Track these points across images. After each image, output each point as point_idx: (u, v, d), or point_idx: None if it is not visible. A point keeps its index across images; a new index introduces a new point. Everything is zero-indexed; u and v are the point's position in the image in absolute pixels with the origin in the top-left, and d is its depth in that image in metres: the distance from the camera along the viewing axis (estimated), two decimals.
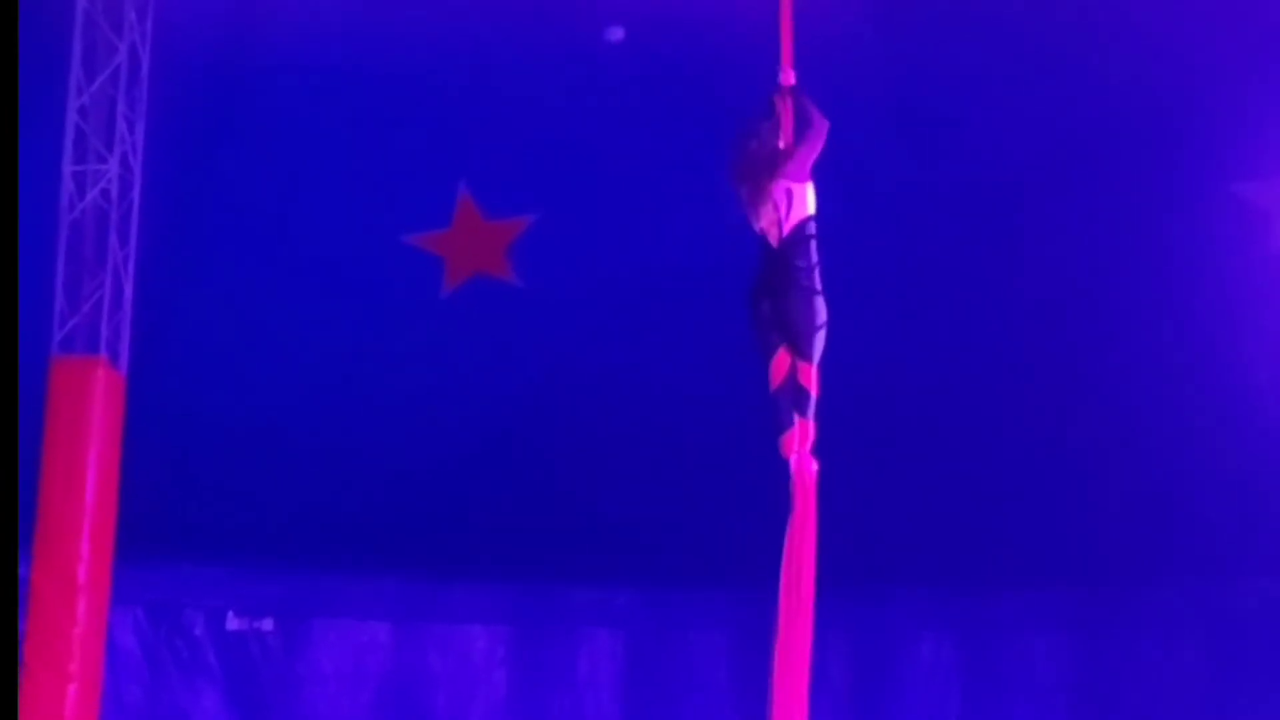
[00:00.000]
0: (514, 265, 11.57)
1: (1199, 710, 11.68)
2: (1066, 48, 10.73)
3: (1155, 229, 11.05)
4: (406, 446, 11.63)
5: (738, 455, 10.65)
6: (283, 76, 10.86)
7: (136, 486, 9.90)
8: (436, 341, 11.59)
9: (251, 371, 11.46)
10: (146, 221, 10.00)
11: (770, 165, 7.53)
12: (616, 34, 10.60)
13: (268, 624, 12.17)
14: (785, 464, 7.56)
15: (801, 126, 7.67)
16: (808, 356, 7.43)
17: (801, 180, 7.52)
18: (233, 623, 12.13)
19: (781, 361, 7.43)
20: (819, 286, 7.46)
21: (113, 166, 9.85)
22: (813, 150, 7.56)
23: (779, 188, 7.49)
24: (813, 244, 7.51)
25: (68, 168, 9.84)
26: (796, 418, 7.44)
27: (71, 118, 9.83)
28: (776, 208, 7.49)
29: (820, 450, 7.52)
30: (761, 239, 7.54)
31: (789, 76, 7.72)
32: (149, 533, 10.33)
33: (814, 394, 7.44)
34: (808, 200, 7.54)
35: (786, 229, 7.48)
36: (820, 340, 7.46)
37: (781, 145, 7.62)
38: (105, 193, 9.85)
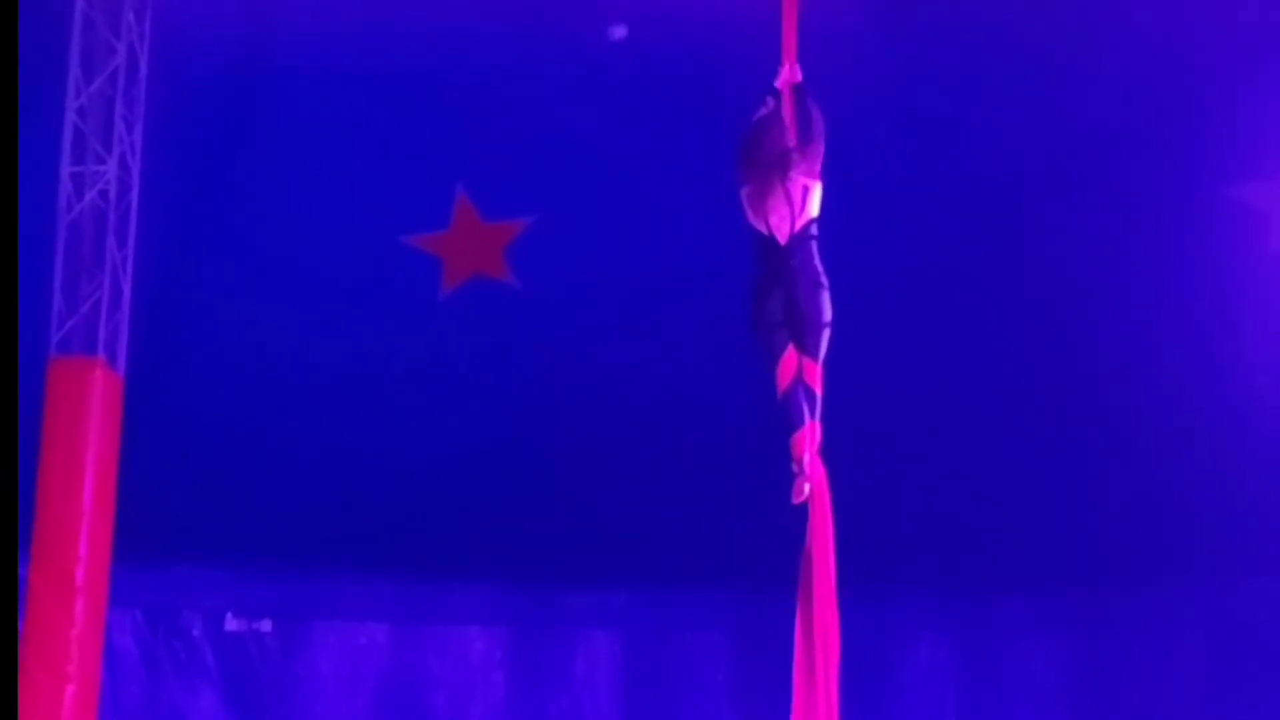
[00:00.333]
0: (512, 266, 11.56)
1: (1198, 711, 11.68)
2: (1065, 49, 10.73)
3: (1155, 230, 11.05)
4: (405, 448, 11.62)
5: (736, 456, 10.67)
6: (281, 77, 10.85)
7: (134, 488, 9.88)
8: (435, 343, 11.57)
9: (250, 373, 11.45)
10: (145, 222, 9.99)
11: (783, 161, 7.52)
12: (619, 32, 10.59)
13: (266, 625, 12.17)
14: (784, 464, 7.57)
15: (804, 124, 7.68)
16: (814, 354, 7.44)
17: (814, 178, 7.53)
18: (231, 624, 12.12)
19: (790, 362, 7.42)
20: (826, 283, 7.48)
21: (111, 167, 9.83)
22: (821, 147, 7.57)
23: (795, 184, 7.49)
24: (815, 245, 7.52)
25: (66, 168, 9.82)
26: (808, 418, 7.43)
27: (70, 118, 9.82)
28: (791, 203, 7.49)
29: (820, 450, 7.53)
30: (767, 238, 7.51)
31: (796, 73, 7.73)
32: (147, 534, 10.32)
33: (819, 393, 7.44)
34: (818, 199, 7.55)
35: (798, 225, 7.48)
36: (826, 338, 7.46)
37: (792, 142, 7.61)
38: (103, 193, 9.83)
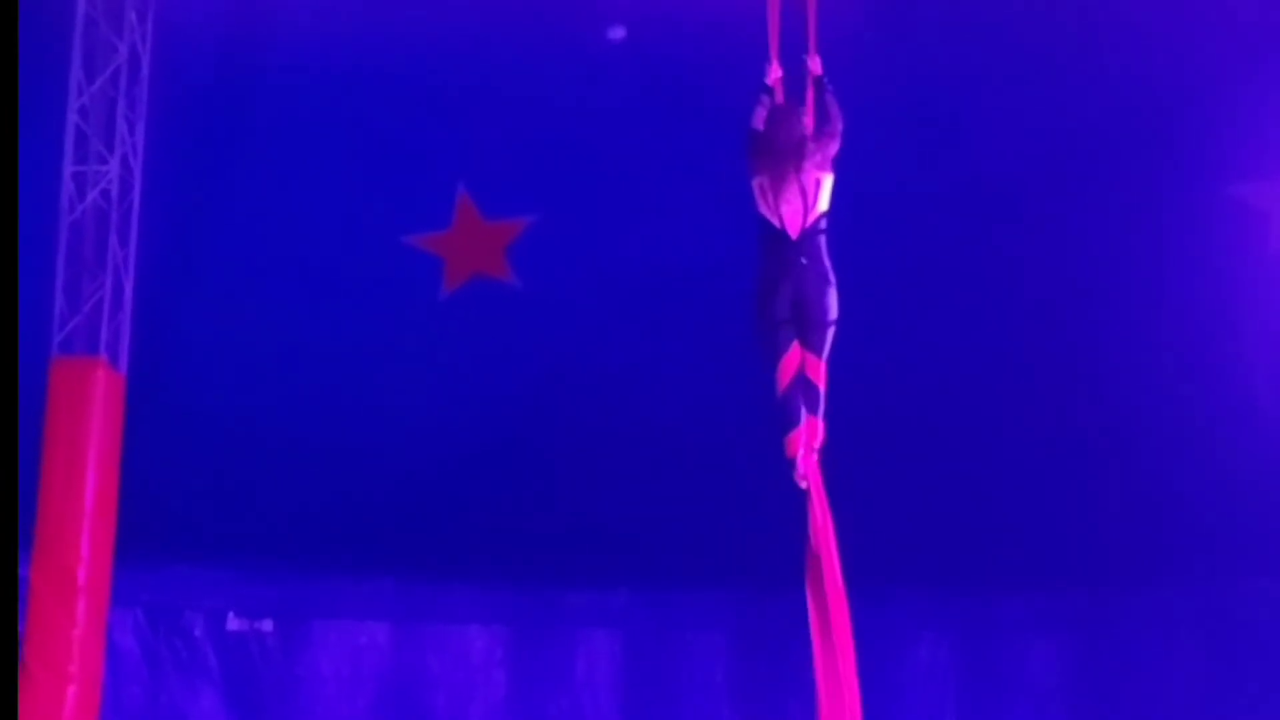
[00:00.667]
0: (513, 266, 11.57)
1: (1198, 711, 11.68)
2: (1065, 49, 10.73)
3: (1155, 230, 11.06)
4: (406, 447, 11.62)
5: (736, 456, 10.68)
6: (283, 77, 10.85)
7: (136, 487, 9.89)
8: (436, 342, 11.58)
9: (251, 372, 11.45)
10: (147, 222, 10.00)
11: (799, 149, 7.50)
12: (618, 33, 10.60)
13: (267, 625, 12.17)
14: (783, 464, 7.57)
15: (822, 116, 7.67)
16: (819, 351, 7.44)
17: (826, 170, 7.53)
18: (232, 623, 12.12)
19: (792, 360, 7.43)
20: (834, 280, 7.48)
21: (113, 167, 9.84)
22: (837, 142, 7.56)
23: (809, 175, 7.49)
24: (824, 240, 7.52)
25: (68, 168, 9.83)
26: (805, 415, 7.43)
27: (72, 118, 9.82)
28: (804, 196, 7.49)
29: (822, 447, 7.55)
30: (777, 231, 7.50)
31: (816, 65, 7.73)
32: (149, 534, 10.33)
33: (822, 389, 7.45)
34: (828, 192, 7.54)
35: (810, 220, 7.48)
36: (831, 336, 7.47)
37: (809, 131, 7.60)
38: (105, 193, 9.84)
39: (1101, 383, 11.39)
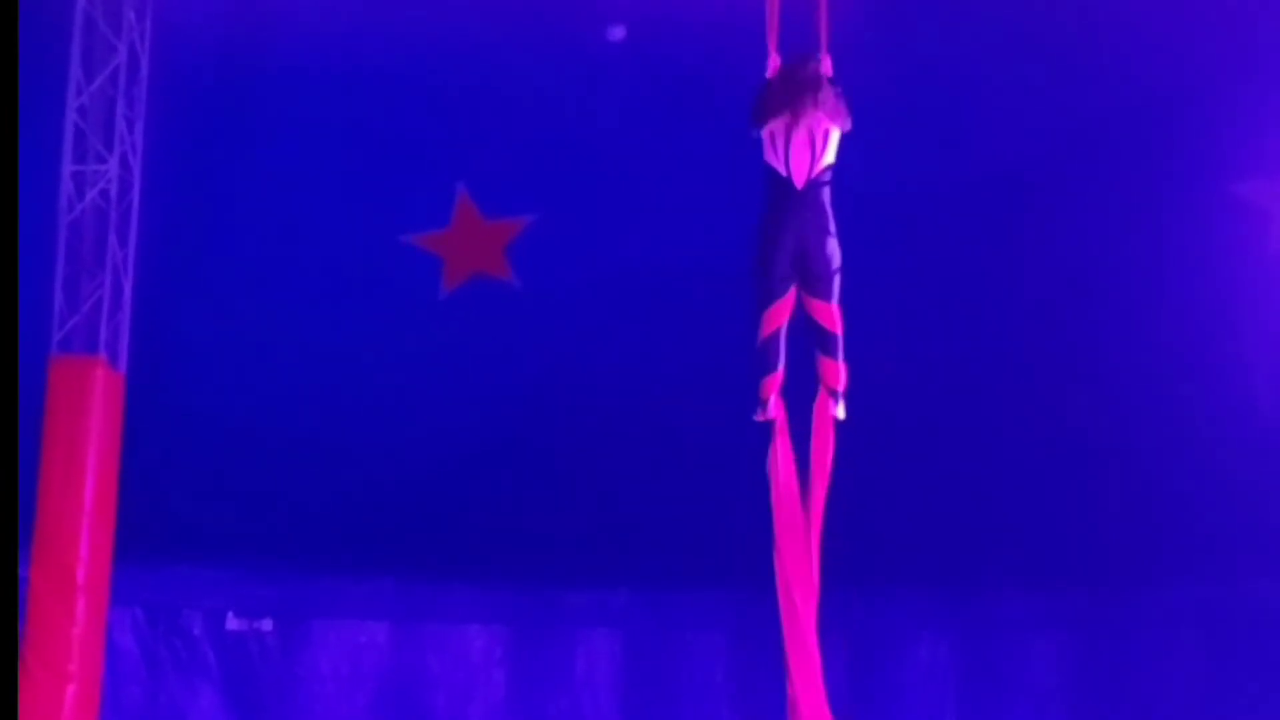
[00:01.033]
0: (513, 265, 11.56)
1: (1197, 711, 11.68)
2: (1066, 48, 10.74)
3: (1155, 229, 11.06)
4: (405, 447, 11.62)
5: (736, 456, 10.64)
6: (282, 76, 10.86)
7: (135, 487, 9.89)
8: (435, 342, 11.58)
9: (250, 372, 11.45)
10: (146, 222, 10.00)
11: (816, 85, 7.56)
12: (618, 33, 10.60)
13: (267, 624, 12.16)
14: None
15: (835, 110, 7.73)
16: (828, 297, 7.51)
17: (836, 122, 7.57)
18: (232, 623, 12.12)
19: (781, 309, 7.50)
20: (834, 230, 7.54)
21: (112, 167, 9.84)
22: (844, 113, 7.62)
23: (820, 124, 7.54)
24: (828, 191, 7.57)
25: (67, 168, 9.83)
26: (822, 359, 7.56)
27: (71, 118, 9.83)
28: (813, 144, 7.54)
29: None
30: (783, 179, 7.53)
31: (827, 66, 7.77)
32: (148, 533, 10.33)
33: (839, 334, 7.53)
34: (835, 146, 7.59)
35: (816, 170, 7.53)
36: (838, 282, 7.55)
37: (828, 73, 7.66)
38: (104, 193, 9.84)
39: (1101, 382, 11.39)
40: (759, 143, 7.72)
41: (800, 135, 7.55)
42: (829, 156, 7.62)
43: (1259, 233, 10.98)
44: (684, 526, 11.74)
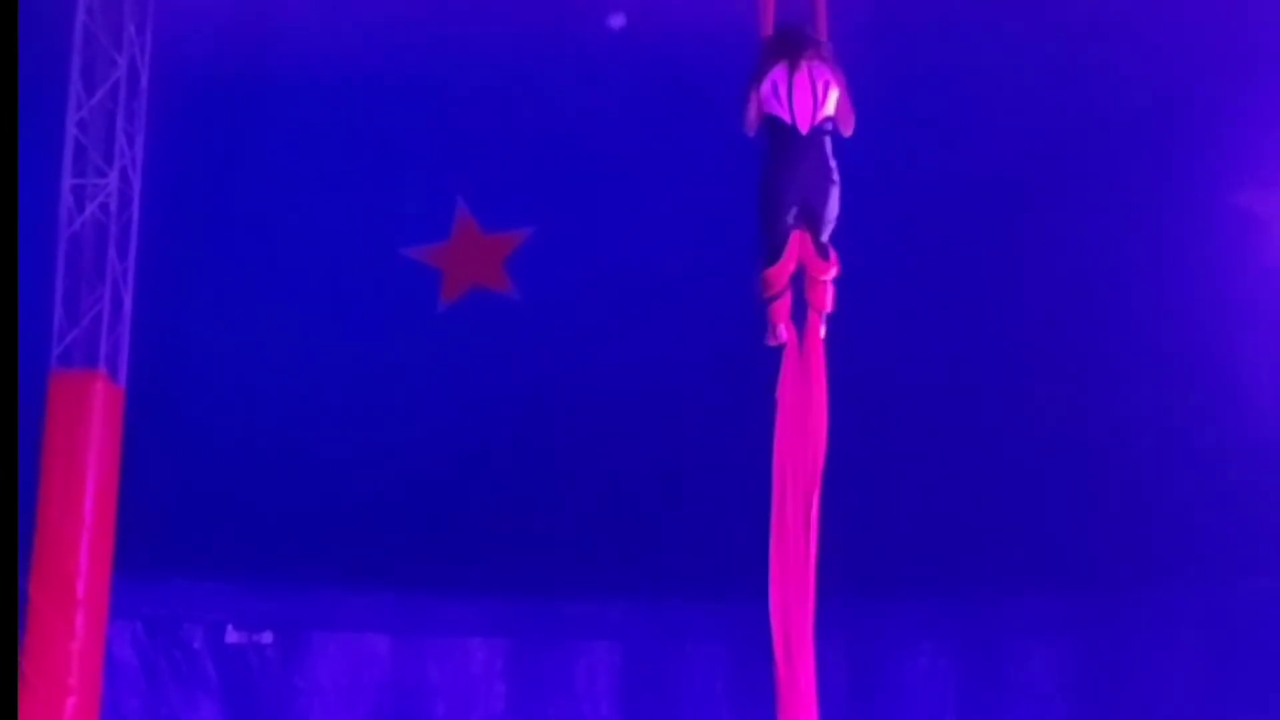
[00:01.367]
0: (512, 278, 11.58)
1: (1198, 714, 11.68)
2: (1065, 57, 10.76)
3: (1155, 237, 11.08)
4: (405, 459, 11.63)
5: (736, 467, 10.66)
6: (282, 90, 10.88)
7: (135, 500, 9.89)
8: (435, 354, 11.59)
9: (250, 385, 11.46)
10: (146, 235, 10.00)
11: (815, 41, 7.60)
12: (618, 20, 10.57)
13: (266, 637, 12.17)
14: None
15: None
16: (825, 253, 7.54)
17: (836, 80, 7.60)
18: (232, 636, 12.12)
19: (786, 266, 7.50)
20: (838, 179, 7.56)
21: (112, 180, 9.85)
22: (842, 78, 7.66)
23: (819, 72, 7.57)
24: (829, 141, 7.58)
25: (67, 181, 9.83)
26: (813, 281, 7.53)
27: (71, 131, 9.83)
28: (814, 90, 7.56)
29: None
30: (786, 128, 7.54)
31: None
32: (148, 546, 10.34)
33: (836, 272, 7.54)
34: (834, 101, 7.61)
35: (819, 118, 7.55)
36: (829, 233, 7.60)
37: (824, 37, 7.70)
38: (104, 206, 9.85)
39: (1101, 389, 11.41)
40: (755, 144, 7.74)
41: (801, 79, 7.58)
42: (829, 107, 7.64)
43: (1258, 241, 11.00)
44: (684, 538, 11.75)
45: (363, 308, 11.49)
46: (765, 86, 7.62)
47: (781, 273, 7.54)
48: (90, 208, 9.84)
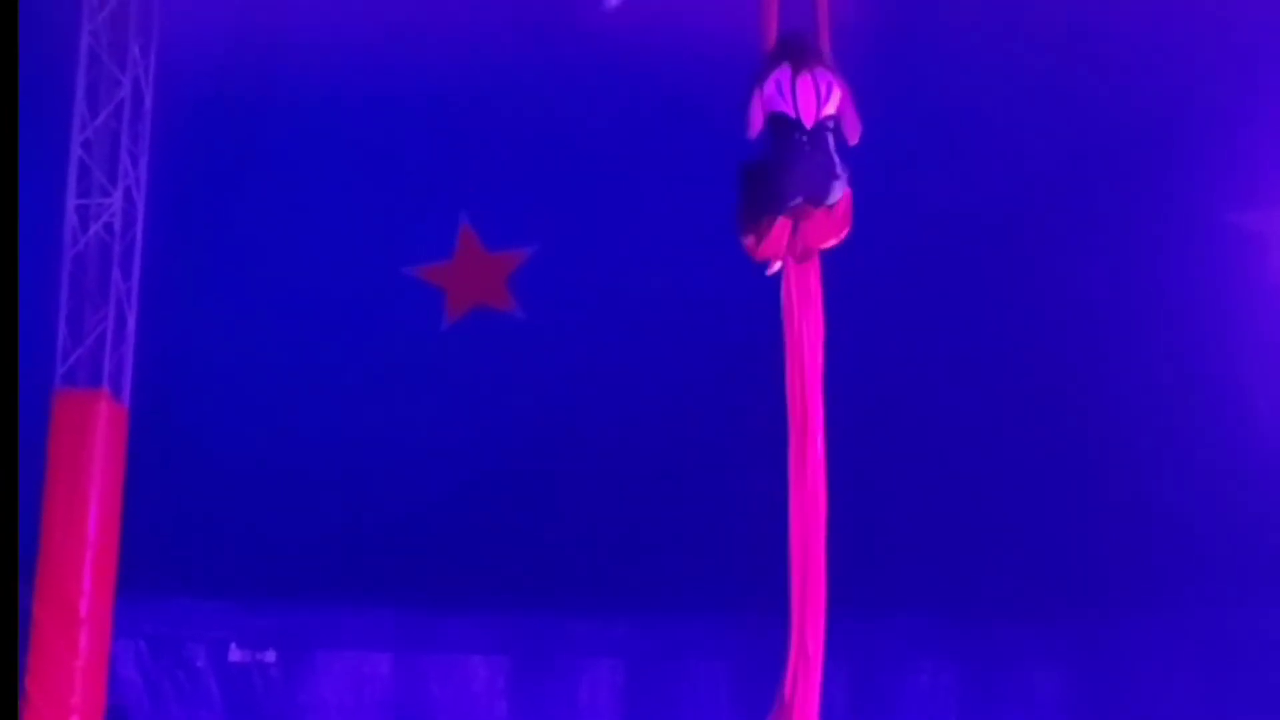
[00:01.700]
0: (515, 297, 11.60)
1: None
2: (1064, 77, 10.79)
3: (1156, 258, 11.10)
4: (408, 478, 11.64)
5: (739, 484, 10.69)
6: (285, 111, 10.91)
7: (138, 519, 9.91)
8: (438, 373, 11.61)
9: (253, 404, 11.48)
10: (149, 255, 10.04)
11: (816, 52, 7.63)
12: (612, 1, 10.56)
13: (270, 656, 12.16)
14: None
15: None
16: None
17: (838, 82, 7.62)
18: (235, 654, 12.12)
19: (776, 242, 7.51)
20: (841, 174, 7.56)
21: (116, 200, 9.89)
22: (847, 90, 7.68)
23: (823, 77, 7.59)
24: (831, 137, 7.59)
25: (71, 201, 9.87)
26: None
27: (75, 151, 9.88)
28: (817, 89, 7.58)
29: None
30: (791, 122, 7.55)
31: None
32: (151, 565, 10.35)
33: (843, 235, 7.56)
34: (836, 101, 7.63)
35: (823, 113, 7.57)
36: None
37: (825, 46, 7.72)
38: (108, 226, 9.89)
39: (1103, 410, 11.41)
40: (751, 149, 7.76)
41: (804, 79, 7.60)
42: (832, 106, 7.67)
43: (1259, 261, 11.02)
44: (686, 555, 11.74)
45: (366, 326, 11.50)
46: (769, 86, 7.64)
47: (772, 250, 7.56)
48: (94, 227, 9.88)
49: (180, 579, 11.55)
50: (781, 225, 7.53)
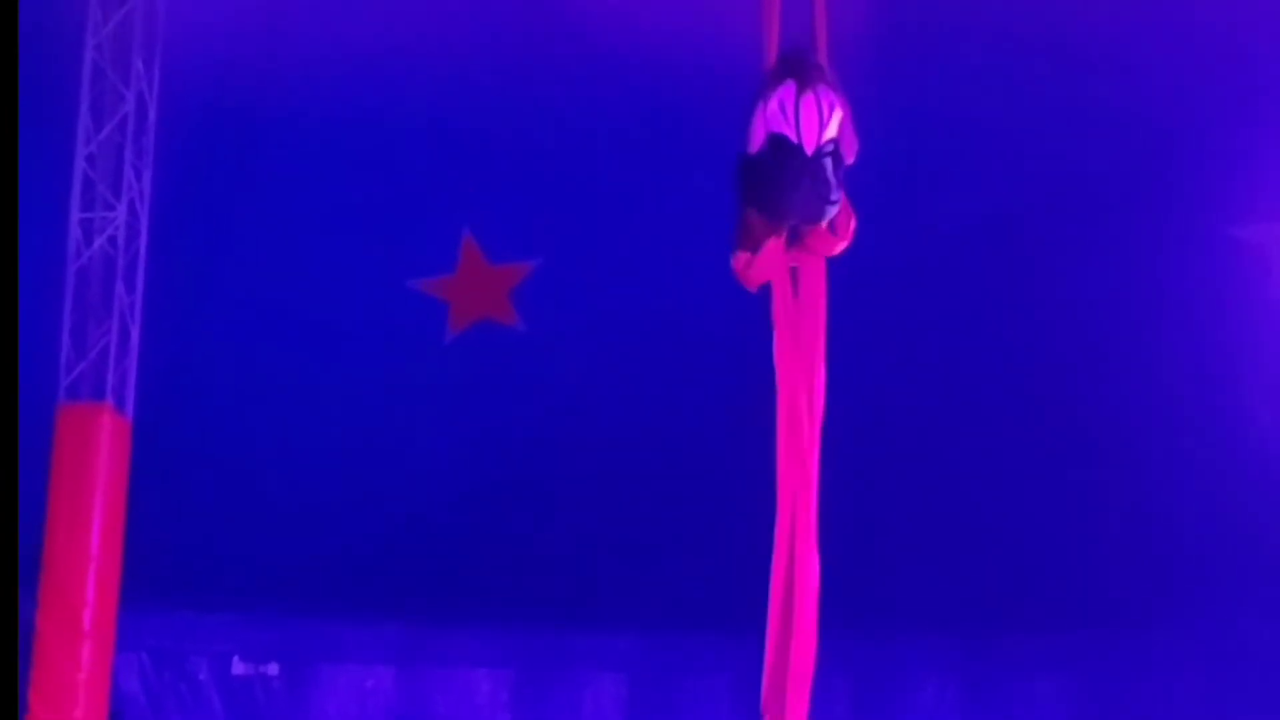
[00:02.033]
0: (518, 310, 11.61)
1: None
2: (1065, 89, 10.80)
3: (1157, 272, 11.10)
4: (411, 491, 11.65)
5: (742, 499, 10.68)
6: (288, 124, 10.93)
7: (142, 532, 9.91)
8: (441, 386, 11.62)
9: (256, 417, 11.49)
10: (153, 268, 10.05)
11: (820, 71, 7.63)
12: None
13: (273, 669, 12.16)
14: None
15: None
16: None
17: (840, 103, 7.62)
18: (238, 667, 12.12)
19: (770, 256, 7.51)
20: (836, 199, 7.57)
21: (120, 214, 9.90)
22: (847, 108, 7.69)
23: (826, 97, 7.59)
24: (830, 162, 7.59)
25: (75, 215, 9.89)
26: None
27: (79, 165, 9.89)
28: (820, 111, 7.58)
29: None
30: (792, 145, 7.55)
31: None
32: (154, 578, 10.35)
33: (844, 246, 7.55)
34: (837, 124, 7.63)
35: (823, 139, 7.57)
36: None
37: (824, 61, 7.72)
38: (112, 240, 9.90)
39: (1106, 425, 11.42)
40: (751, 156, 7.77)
41: (808, 100, 7.59)
42: (832, 130, 7.67)
43: (1260, 276, 11.02)
44: (690, 570, 11.74)
45: (369, 340, 11.52)
46: (772, 104, 7.63)
47: (763, 269, 7.57)
48: (98, 241, 9.89)
49: (183, 592, 11.56)
50: (774, 245, 7.54)
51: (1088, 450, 11.44)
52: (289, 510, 11.52)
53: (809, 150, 7.54)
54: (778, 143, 7.54)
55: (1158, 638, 11.82)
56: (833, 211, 7.55)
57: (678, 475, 11.61)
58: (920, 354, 11.44)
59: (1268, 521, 11.09)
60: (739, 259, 7.57)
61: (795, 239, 7.58)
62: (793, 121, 7.57)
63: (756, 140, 7.64)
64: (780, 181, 7.50)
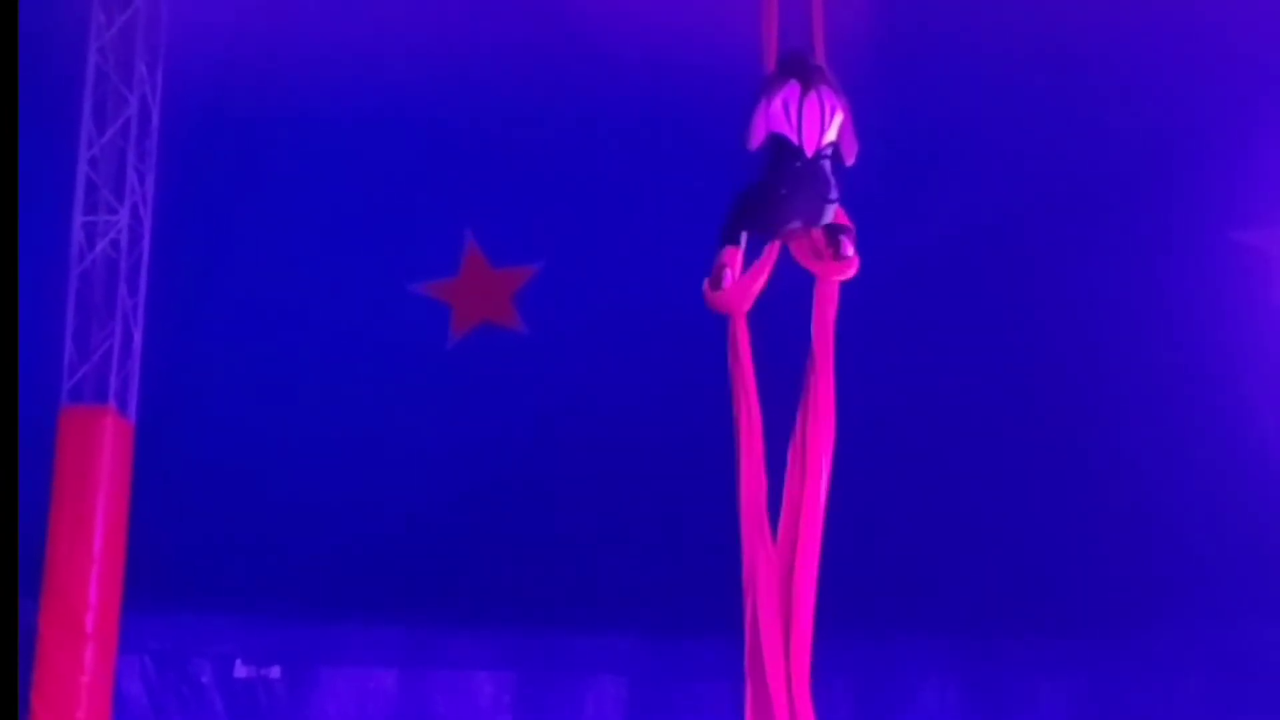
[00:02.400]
0: (521, 313, 11.62)
1: None
2: (1066, 95, 10.81)
3: (1159, 276, 11.10)
4: (413, 494, 11.65)
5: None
6: (291, 127, 10.95)
7: (144, 534, 9.93)
8: (443, 389, 11.62)
9: (259, 420, 11.50)
10: (156, 272, 10.08)
11: (821, 73, 7.67)
12: None
13: (275, 671, 12.17)
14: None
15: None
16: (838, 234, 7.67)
17: (840, 105, 7.65)
18: (240, 670, 12.13)
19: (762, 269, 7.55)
20: (835, 198, 7.59)
21: (123, 217, 9.93)
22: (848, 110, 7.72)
23: (828, 98, 7.62)
24: (828, 165, 7.62)
25: (78, 218, 9.92)
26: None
27: (82, 169, 9.93)
28: (822, 113, 7.61)
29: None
30: (793, 148, 7.57)
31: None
32: (156, 581, 10.36)
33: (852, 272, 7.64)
34: (838, 126, 7.67)
35: (823, 142, 7.60)
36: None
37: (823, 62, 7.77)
38: (115, 243, 9.94)
39: (1108, 428, 11.41)
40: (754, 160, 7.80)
41: (811, 101, 7.62)
42: (832, 133, 7.69)
43: (1260, 279, 11.03)
44: (691, 572, 11.74)
45: (372, 343, 11.52)
46: (775, 104, 7.65)
47: (735, 296, 7.63)
48: (101, 244, 9.92)
49: (185, 594, 11.57)
50: (766, 258, 7.59)
51: (1088, 451, 11.44)
52: (292, 513, 11.53)
53: (809, 152, 7.57)
54: (778, 142, 7.58)
55: (1158, 639, 11.82)
56: (832, 211, 7.58)
57: (679, 478, 11.60)
58: (920, 356, 11.44)
59: (1268, 524, 11.09)
60: (705, 286, 7.70)
61: (803, 253, 7.63)
62: (795, 122, 7.60)
63: (757, 137, 7.67)
64: (779, 182, 7.54)
